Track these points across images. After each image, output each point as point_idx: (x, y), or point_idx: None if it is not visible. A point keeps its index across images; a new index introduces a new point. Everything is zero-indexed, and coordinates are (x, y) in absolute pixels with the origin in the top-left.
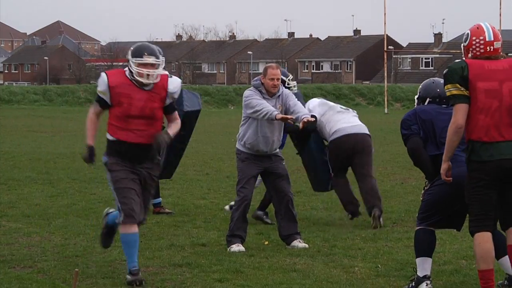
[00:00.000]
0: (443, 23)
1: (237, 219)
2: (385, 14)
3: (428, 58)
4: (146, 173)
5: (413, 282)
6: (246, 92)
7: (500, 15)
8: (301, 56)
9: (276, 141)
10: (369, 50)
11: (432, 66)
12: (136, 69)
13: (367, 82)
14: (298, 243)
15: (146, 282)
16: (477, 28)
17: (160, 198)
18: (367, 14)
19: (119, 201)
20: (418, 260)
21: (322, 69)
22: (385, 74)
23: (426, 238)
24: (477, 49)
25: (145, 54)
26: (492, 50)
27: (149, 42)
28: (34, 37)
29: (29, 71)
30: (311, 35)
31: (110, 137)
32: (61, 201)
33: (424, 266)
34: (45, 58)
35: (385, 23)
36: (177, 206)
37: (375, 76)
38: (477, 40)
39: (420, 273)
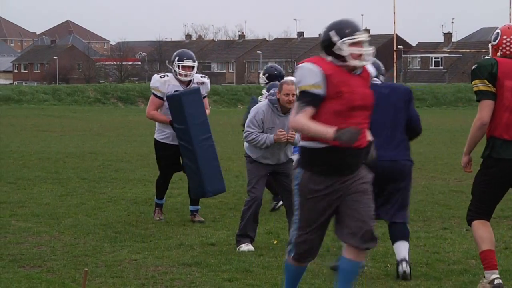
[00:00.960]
0: (452, 22)
1: (247, 219)
2: (394, 13)
3: (438, 58)
4: (352, 183)
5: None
6: (247, 122)
7: (510, 14)
8: (310, 56)
9: (283, 156)
10: (379, 50)
11: (441, 66)
12: (349, 49)
13: None
14: None
15: (156, 281)
16: (508, 27)
17: (199, 206)
18: (377, 14)
19: (300, 234)
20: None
21: None
22: (395, 74)
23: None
24: (507, 48)
25: (355, 32)
26: None
27: (158, 41)
28: (44, 36)
29: (39, 71)
30: (320, 35)
31: (316, 145)
32: (70, 200)
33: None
34: (54, 57)
35: (394, 23)
36: (186, 205)
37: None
38: (508, 39)
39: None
